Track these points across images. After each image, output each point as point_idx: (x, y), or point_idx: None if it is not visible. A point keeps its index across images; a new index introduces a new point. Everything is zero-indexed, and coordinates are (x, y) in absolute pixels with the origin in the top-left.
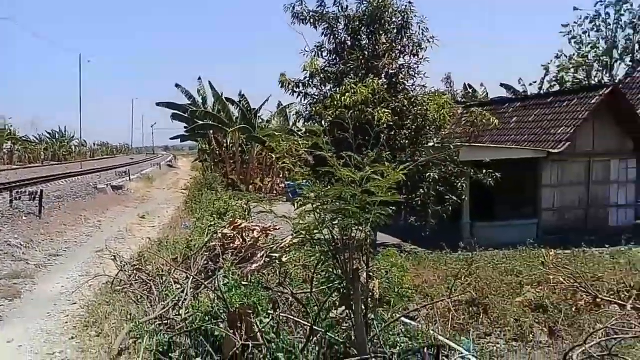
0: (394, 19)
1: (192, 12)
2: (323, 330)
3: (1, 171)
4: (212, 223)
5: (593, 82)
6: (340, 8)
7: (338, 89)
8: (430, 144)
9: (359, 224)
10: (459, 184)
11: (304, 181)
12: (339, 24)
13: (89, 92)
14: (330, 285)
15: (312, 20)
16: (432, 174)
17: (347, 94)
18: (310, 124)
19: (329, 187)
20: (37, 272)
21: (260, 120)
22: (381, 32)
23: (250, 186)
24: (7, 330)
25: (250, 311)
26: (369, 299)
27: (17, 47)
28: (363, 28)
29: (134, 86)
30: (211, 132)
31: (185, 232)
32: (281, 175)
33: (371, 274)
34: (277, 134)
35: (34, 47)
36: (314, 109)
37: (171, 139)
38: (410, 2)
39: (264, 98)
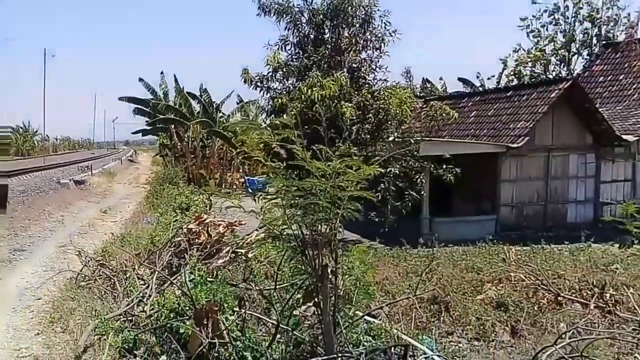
0: (357, 13)
1: (157, 2)
2: (289, 329)
3: None
4: (176, 218)
5: (551, 76)
6: (305, 1)
7: (301, 83)
8: (391, 139)
9: (329, 219)
10: (419, 179)
11: (265, 176)
12: (302, 17)
13: (52, 86)
14: (295, 282)
15: (276, 13)
16: (392, 169)
17: (314, 88)
18: (275, 118)
19: (300, 180)
20: (1, 267)
21: (221, 115)
22: (344, 26)
23: (211, 180)
24: None
25: (217, 308)
26: (337, 297)
27: None
28: (327, 22)
29: (96, 80)
30: (172, 126)
31: (147, 227)
32: (240, 170)
33: (337, 270)
34: (249, 126)
35: None
36: (277, 101)
37: (132, 133)
38: None
39: (227, 92)
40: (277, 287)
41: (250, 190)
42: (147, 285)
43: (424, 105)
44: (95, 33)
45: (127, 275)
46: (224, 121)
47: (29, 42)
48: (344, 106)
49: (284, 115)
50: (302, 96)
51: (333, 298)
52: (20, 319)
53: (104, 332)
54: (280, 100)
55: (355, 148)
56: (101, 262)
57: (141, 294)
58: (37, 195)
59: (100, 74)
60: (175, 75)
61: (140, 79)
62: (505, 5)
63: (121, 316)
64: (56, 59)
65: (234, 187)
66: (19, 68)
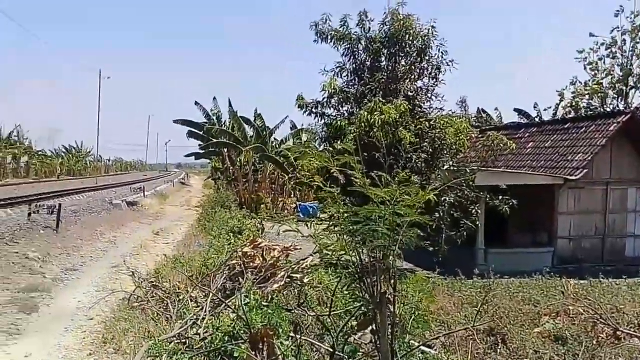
0: (414, 42)
1: (215, 30)
2: (345, 356)
3: (18, 184)
4: (230, 242)
5: (608, 110)
6: (362, 29)
7: (357, 110)
8: (446, 168)
9: (388, 246)
10: (474, 210)
11: (318, 202)
12: (360, 45)
13: (106, 108)
14: (350, 308)
15: (334, 40)
16: (447, 198)
17: (375, 113)
18: (330, 144)
19: (357, 206)
20: (54, 286)
21: (274, 140)
22: (401, 55)
23: (263, 205)
24: (25, 345)
25: (272, 333)
26: (394, 325)
27: (37, 61)
28: (384, 50)
29: (150, 103)
30: (225, 150)
31: (199, 249)
32: (292, 196)
33: (395, 298)
34: (306, 152)
35: (52, 60)
36: (334, 127)
37: (185, 156)
38: (433, 27)
39: (279, 118)
40: (332, 313)
41: (302, 216)
42: (201, 307)
43: (480, 135)
44: (151, 56)
45: (181, 298)
46: (277, 146)
47: (86, 63)
48: (402, 133)
49: (340, 142)
50: (361, 122)
51: (390, 326)
52: (73, 338)
53: (157, 354)
54: (337, 124)
55: (415, 175)
56: (154, 283)
57: (195, 317)
58: (90, 216)
59: (154, 96)
60: (229, 100)
61: (196, 103)
62: (562, 38)
63: (175, 338)
64: (111, 80)
65: (286, 212)
66: (76, 89)
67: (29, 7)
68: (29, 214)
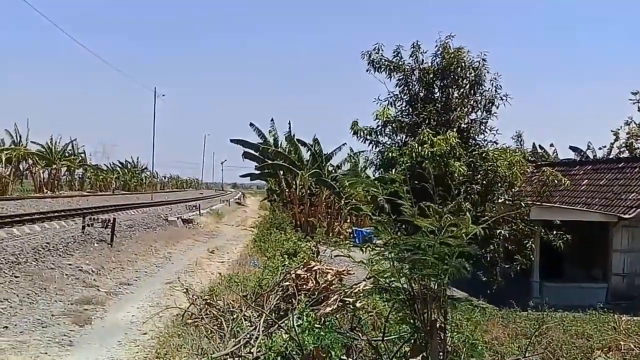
0: (467, 75)
1: (269, 53)
2: None
3: (72, 197)
4: (284, 263)
5: None
6: (415, 60)
7: (410, 139)
8: (501, 201)
9: (437, 275)
10: (528, 243)
11: (373, 228)
12: (413, 75)
13: (161, 125)
14: (402, 334)
15: (387, 70)
16: (502, 231)
17: (425, 145)
18: (384, 172)
19: (407, 236)
20: (107, 300)
21: (330, 165)
22: (454, 87)
23: (318, 229)
24: (77, 357)
25: (324, 355)
26: (445, 353)
27: (94, 78)
28: (437, 81)
29: (205, 121)
30: (281, 172)
31: (254, 269)
32: (348, 220)
33: (446, 326)
34: (356, 180)
35: (110, 78)
36: (387, 155)
37: (241, 176)
38: (484, 60)
39: (334, 141)
40: (385, 338)
41: (357, 241)
42: (254, 327)
43: (536, 170)
44: (208, 76)
45: (234, 316)
46: (333, 171)
47: (142, 80)
48: (453, 165)
49: (393, 170)
50: (412, 152)
51: (442, 354)
52: (126, 352)
53: None
54: (389, 154)
55: (468, 206)
56: (208, 301)
57: (248, 336)
58: (145, 231)
59: (210, 115)
60: (290, 122)
61: (251, 124)
62: (617, 76)
63: (228, 356)
64: (167, 98)
65: (341, 236)
66: (132, 106)
67: (87, 22)
68: (83, 227)
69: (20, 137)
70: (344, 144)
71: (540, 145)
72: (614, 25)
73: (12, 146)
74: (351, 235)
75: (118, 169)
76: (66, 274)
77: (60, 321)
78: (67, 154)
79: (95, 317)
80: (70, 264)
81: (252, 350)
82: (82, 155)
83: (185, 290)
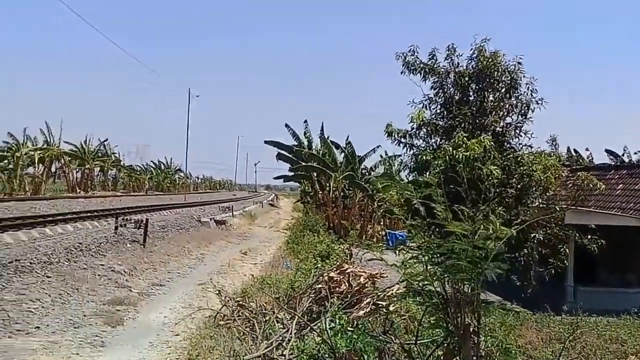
0: (502, 78)
1: (305, 57)
2: None
3: (105, 197)
4: (317, 265)
5: None
6: (451, 63)
7: (445, 142)
8: (535, 204)
9: (471, 279)
10: (562, 247)
11: (406, 231)
12: (448, 78)
13: (195, 125)
14: (435, 338)
15: (422, 72)
16: (536, 235)
17: (459, 148)
18: (418, 175)
19: (440, 239)
20: (139, 300)
21: (363, 167)
22: (489, 90)
23: (352, 231)
24: (110, 358)
25: (357, 358)
26: (478, 357)
27: (127, 78)
28: (472, 84)
29: (239, 123)
30: (314, 174)
31: (286, 271)
32: (381, 223)
33: (480, 330)
34: (389, 183)
35: (143, 78)
36: (421, 159)
37: (274, 178)
38: (519, 63)
39: (366, 143)
40: (417, 342)
41: (390, 244)
42: (286, 329)
43: (571, 174)
44: (241, 77)
45: (267, 318)
46: (366, 173)
47: (176, 81)
48: (487, 168)
49: (427, 173)
50: (446, 155)
51: (475, 359)
52: (158, 354)
53: None
54: (423, 157)
55: (500, 208)
56: (241, 302)
57: (280, 338)
58: (177, 232)
59: (243, 116)
60: (322, 123)
61: (286, 125)
62: None
63: (260, 358)
64: (200, 99)
65: (374, 239)
66: (167, 107)
67: (122, 23)
68: (116, 227)
69: (53, 137)
70: (378, 146)
71: (575, 150)
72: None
73: (45, 146)
74: (384, 237)
75: (151, 169)
76: (98, 275)
77: (92, 322)
78: (99, 154)
79: (127, 317)
80: (102, 265)
81: (284, 353)
82: (116, 155)
83: (217, 291)
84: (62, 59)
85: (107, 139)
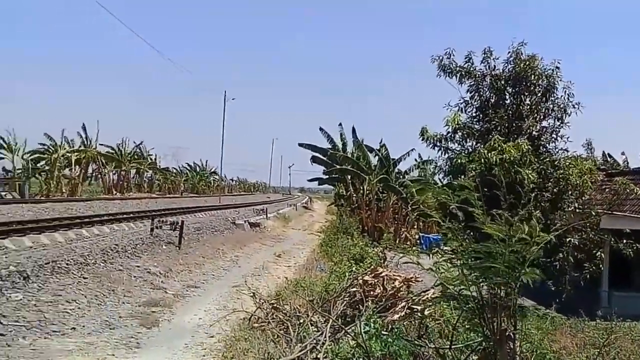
0: (539, 82)
1: (337, 60)
2: None
3: (141, 199)
4: (351, 268)
5: None
6: (487, 66)
7: (481, 146)
8: (571, 209)
9: (507, 283)
10: (598, 252)
11: (441, 234)
12: (484, 81)
13: (230, 128)
14: (470, 343)
15: (458, 75)
16: (571, 239)
17: (494, 152)
18: (453, 178)
19: (476, 243)
20: (175, 302)
21: (397, 171)
22: (526, 94)
23: (385, 235)
24: (144, 359)
25: None
26: None
27: (166, 81)
28: (508, 88)
29: (273, 125)
30: (349, 177)
31: (320, 274)
32: (415, 227)
33: (516, 335)
34: (425, 187)
35: (181, 81)
36: (456, 162)
37: (309, 180)
38: (557, 67)
39: (404, 147)
40: (452, 346)
41: (424, 247)
42: (320, 332)
43: (606, 179)
44: (276, 79)
45: (301, 321)
46: (401, 177)
47: (211, 82)
48: (524, 172)
49: (462, 177)
50: (481, 159)
51: None
52: (192, 355)
53: None
54: (459, 161)
55: (537, 212)
56: (275, 305)
57: (315, 341)
58: (212, 234)
59: (278, 119)
60: (353, 127)
61: (321, 129)
62: None
63: None
64: (236, 101)
65: (408, 242)
66: (202, 109)
67: (155, 26)
68: (152, 229)
69: (89, 139)
70: (412, 150)
71: (609, 154)
72: None
73: (82, 148)
74: (418, 241)
75: (187, 171)
76: (134, 276)
77: (128, 323)
78: (136, 157)
79: (162, 319)
80: (138, 266)
81: (318, 356)
82: (151, 157)
83: (252, 294)
84: (98, 62)
85: (142, 142)
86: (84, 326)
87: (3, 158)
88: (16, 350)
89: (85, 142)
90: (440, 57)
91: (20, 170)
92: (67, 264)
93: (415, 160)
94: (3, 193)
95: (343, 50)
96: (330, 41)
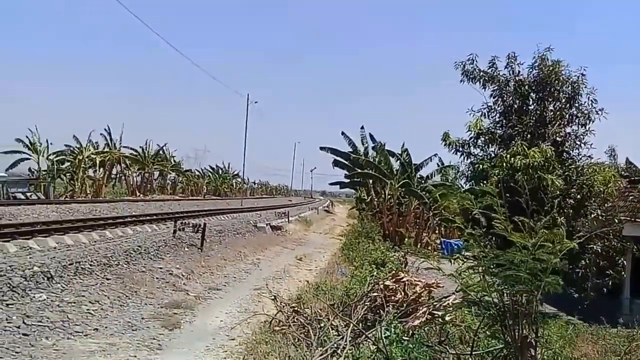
0: (563, 88)
1: (360, 62)
2: None
3: (164, 200)
4: (372, 273)
5: None
6: (511, 71)
7: (502, 152)
8: (593, 216)
9: (529, 291)
10: (620, 259)
11: (463, 240)
12: (508, 87)
13: (253, 131)
14: (491, 349)
15: (482, 80)
16: (594, 247)
17: (517, 157)
18: (475, 184)
19: (498, 250)
20: (196, 304)
21: (419, 176)
22: (550, 100)
23: (407, 240)
24: None
25: None
26: None
27: (190, 83)
28: (532, 94)
29: (295, 129)
30: (370, 181)
31: (341, 278)
32: (437, 232)
33: (537, 342)
34: (448, 192)
35: (204, 85)
36: (479, 167)
37: (330, 184)
38: (582, 74)
39: (426, 151)
40: (473, 353)
41: (445, 253)
42: (341, 336)
43: (629, 186)
44: (298, 84)
45: (322, 325)
46: (422, 181)
47: (234, 85)
48: (549, 178)
49: (485, 182)
50: (504, 164)
51: None
52: (213, 358)
53: None
54: (481, 166)
55: (561, 218)
56: (296, 308)
57: (335, 345)
58: (234, 237)
59: (300, 122)
60: (370, 134)
61: (343, 133)
62: None
63: None
64: (259, 105)
65: (430, 247)
66: (226, 112)
67: (181, 30)
68: (174, 231)
69: (113, 141)
70: (434, 155)
71: (631, 161)
72: None
73: (107, 149)
74: (439, 246)
75: (209, 174)
76: (156, 278)
77: (150, 324)
78: (159, 159)
79: (184, 321)
80: (160, 268)
81: None
82: (174, 159)
83: (273, 297)
84: (120, 64)
85: (166, 144)
86: (106, 327)
87: (29, 159)
88: (39, 351)
89: (110, 144)
90: (464, 63)
91: (45, 171)
92: (90, 265)
93: (437, 165)
94: (28, 194)
95: (366, 56)
96: (350, 49)
